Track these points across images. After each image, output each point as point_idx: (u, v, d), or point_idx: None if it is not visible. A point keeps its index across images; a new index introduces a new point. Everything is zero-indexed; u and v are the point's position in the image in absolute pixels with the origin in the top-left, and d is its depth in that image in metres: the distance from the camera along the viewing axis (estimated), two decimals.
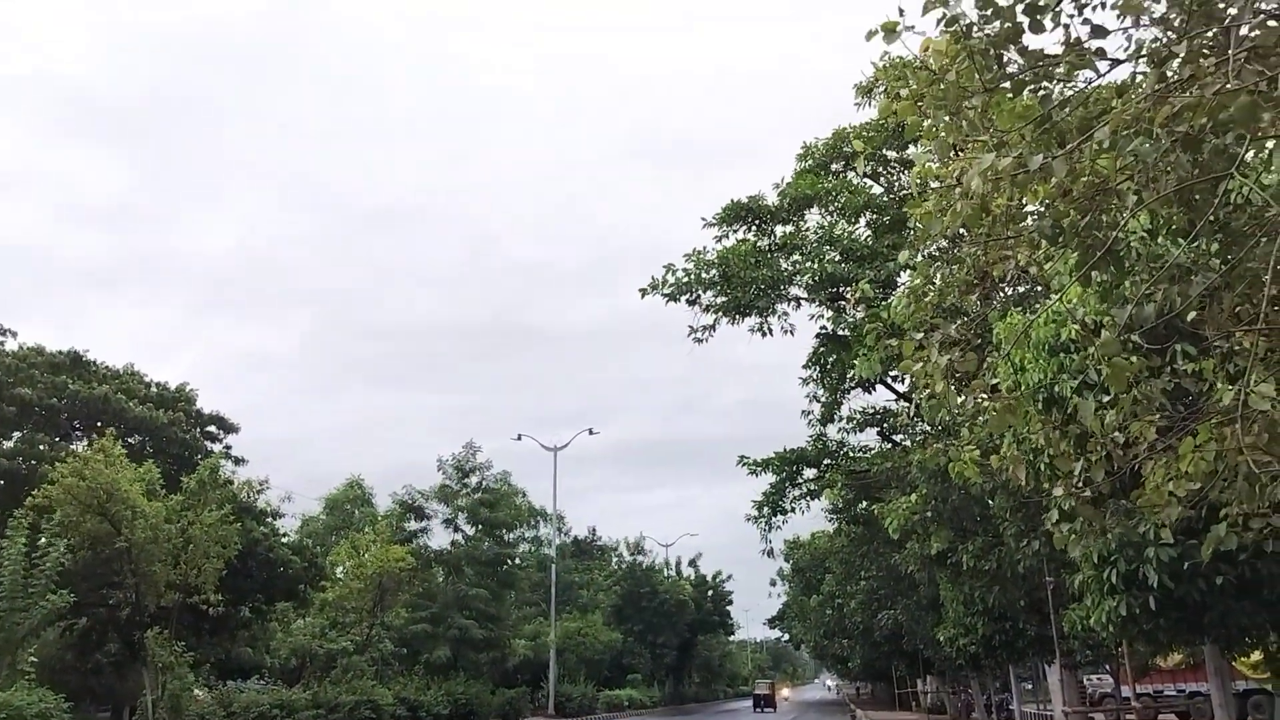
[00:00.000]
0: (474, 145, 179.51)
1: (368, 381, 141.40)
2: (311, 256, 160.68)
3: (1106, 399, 5.85)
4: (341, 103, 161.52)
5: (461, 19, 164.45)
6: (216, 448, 33.35)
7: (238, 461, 36.15)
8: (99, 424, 29.88)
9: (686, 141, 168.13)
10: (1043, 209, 6.31)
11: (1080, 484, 5.65)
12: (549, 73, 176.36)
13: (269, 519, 30.59)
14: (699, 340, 22.49)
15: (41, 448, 27.62)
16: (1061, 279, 7.80)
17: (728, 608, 79.43)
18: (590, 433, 58.64)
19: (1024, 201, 6.17)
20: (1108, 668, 26.70)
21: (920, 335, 7.41)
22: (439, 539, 44.62)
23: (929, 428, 16.39)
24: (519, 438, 72.73)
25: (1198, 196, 4.85)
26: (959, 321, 7.74)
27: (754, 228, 23.22)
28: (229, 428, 35.62)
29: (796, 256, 22.27)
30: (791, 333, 23.17)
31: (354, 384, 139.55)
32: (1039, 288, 14.13)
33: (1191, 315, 5.09)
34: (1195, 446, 5.12)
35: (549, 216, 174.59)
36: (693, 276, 22.02)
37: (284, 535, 31.12)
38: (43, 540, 20.00)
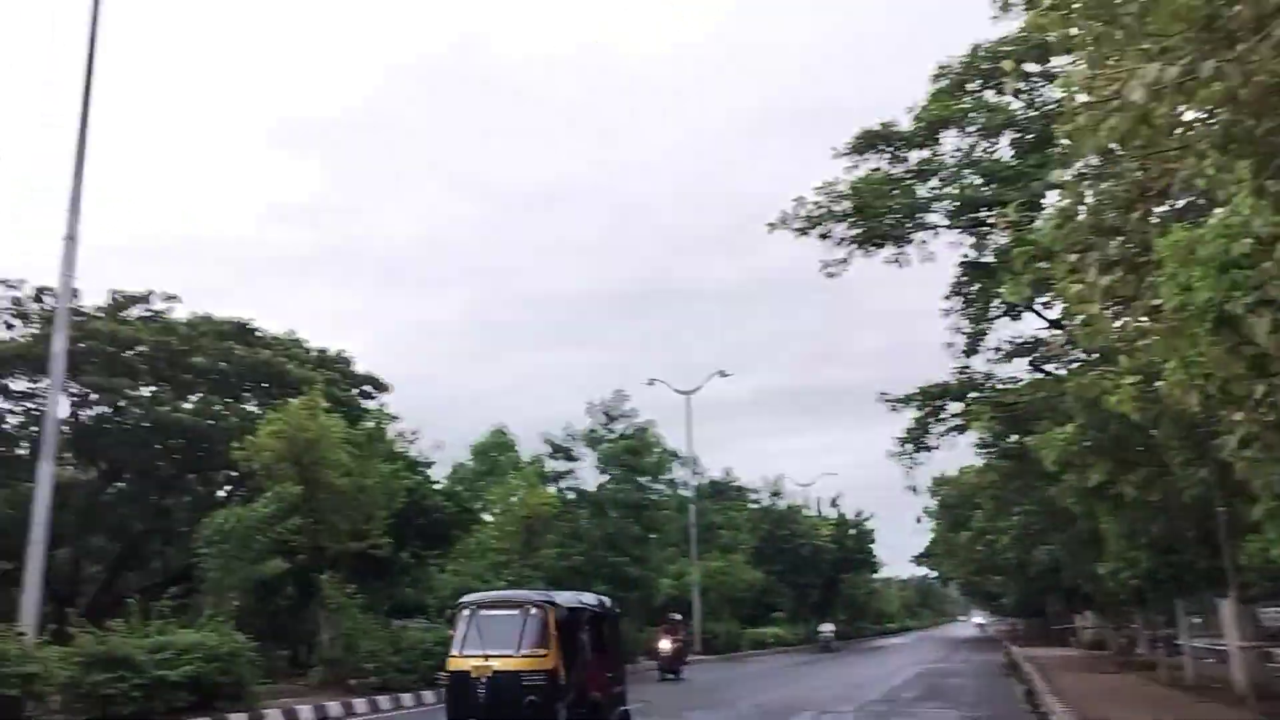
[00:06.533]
0: (619, 125, 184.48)
1: (521, 346, 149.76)
2: (473, 237, 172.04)
3: None
4: (504, 103, 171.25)
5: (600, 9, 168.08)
6: (371, 406, 34.92)
7: (390, 418, 37.81)
8: (263, 384, 31.71)
9: (817, 110, 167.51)
10: (1209, 116, 5.87)
11: (1262, 409, 5.32)
12: (688, 53, 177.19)
13: (421, 468, 31.96)
14: (831, 275, 22.10)
15: (216, 408, 29.54)
16: (1231, 190, 7.29)
17: (870, 545, 78.68)
18: (722, 375, 57.94)
19: (1184, 110, 5.72)
20: None
21: (1074, 257, 7.01)
22: (583, 482, 45.69)
23: (1084, 355, 15.69)
24: (651, 383, 73.16)
25: None
26: (1117, 241, 7.32)
27: (887, 156, 22.45)
28: (382, 387, 37.22)
29: (934, 182, 21.48)
30: (932, 259, 22.49)
31: (509, 349, 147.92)
32: (1203, 201, 13.22)
33: None
34: None
35: (689, 186, 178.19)
36: (824, 209, 21.53)
37: (435, 483, 32.43)
38: (261, 501, 21.54)
